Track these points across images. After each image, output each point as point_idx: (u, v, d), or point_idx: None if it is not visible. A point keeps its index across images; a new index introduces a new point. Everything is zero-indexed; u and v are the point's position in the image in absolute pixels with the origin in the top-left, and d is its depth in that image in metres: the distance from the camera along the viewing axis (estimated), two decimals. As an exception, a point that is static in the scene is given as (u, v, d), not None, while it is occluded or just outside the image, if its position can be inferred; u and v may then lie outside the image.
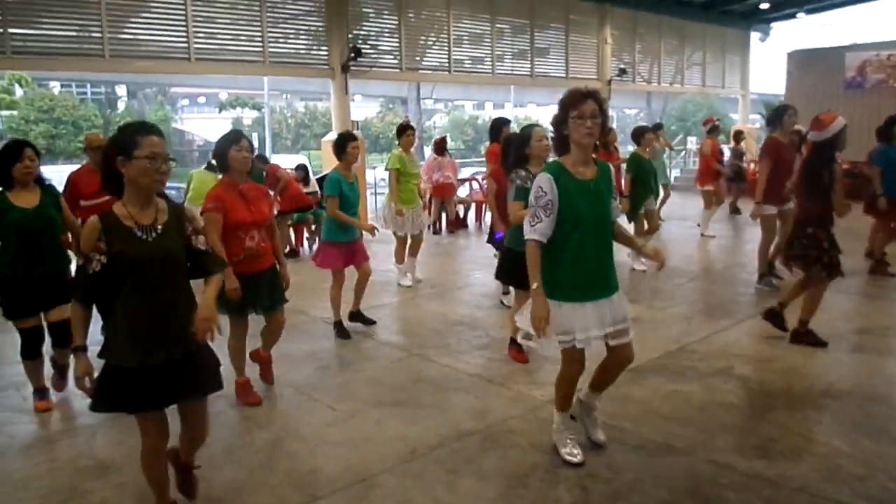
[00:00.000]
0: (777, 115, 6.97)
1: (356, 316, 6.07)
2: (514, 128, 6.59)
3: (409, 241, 7.73)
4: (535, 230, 3.21)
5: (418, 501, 3.20)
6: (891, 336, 5.48)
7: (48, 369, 4.62)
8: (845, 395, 4.28)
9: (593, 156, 3.38)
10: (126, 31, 10.80)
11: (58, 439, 4.03)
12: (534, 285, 3.21)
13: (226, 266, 3.14)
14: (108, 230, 2.64)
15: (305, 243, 10.41)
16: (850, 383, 4.48)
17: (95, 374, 2.74)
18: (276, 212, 9.70)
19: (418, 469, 3.50)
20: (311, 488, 3.34)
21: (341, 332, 5.86)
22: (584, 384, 3.62)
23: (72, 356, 2.90)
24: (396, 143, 7.90)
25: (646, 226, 8.17)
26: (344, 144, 5.79)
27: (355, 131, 12.40)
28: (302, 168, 10.82)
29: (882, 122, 10.24)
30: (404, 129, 7.76)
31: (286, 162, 24.10)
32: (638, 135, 8.19)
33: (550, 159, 3.64)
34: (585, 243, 3.23)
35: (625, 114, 45.87)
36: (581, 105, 3.15)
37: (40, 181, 4.35)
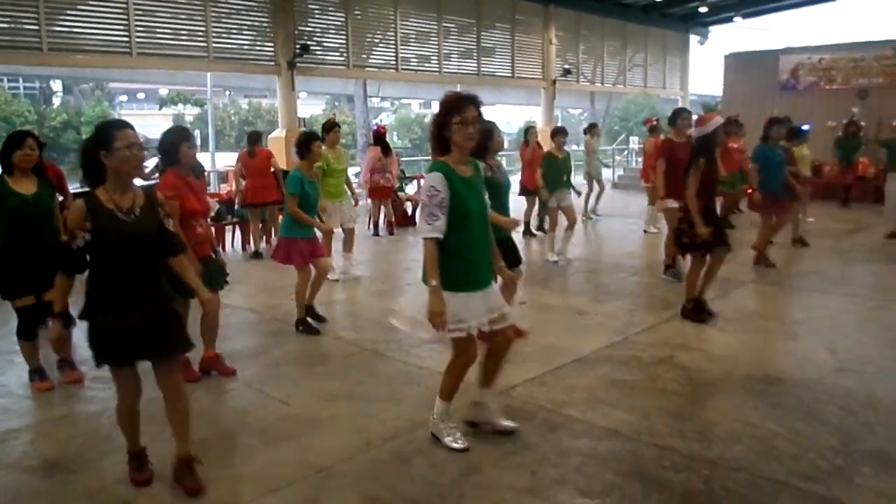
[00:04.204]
0: (673, 117, 7.58)
1: (309, 310, 6.03)
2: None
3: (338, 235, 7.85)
4: (434, 228, 3.31)
5: (373, 490, 3.26)
6: (822, 326, 5.76)
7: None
8: (778, 382, 4.50)
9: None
10: (64, 23, 10.54)
11: (1, 440, 3.94)
12: (433, 282, 3.30)
13: (186, 249, 3.61)
14: (92, 211, 3.00)
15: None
16: (783, 370, 4.71)
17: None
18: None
19: (373, 459, 3.56)
20: (266, 482, 3.35)
21: (308, 328, 5.80)
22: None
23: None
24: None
25: (564, 221, 8.41)
26: (309, 143, 5.88)
27: (302, 128, 12.43)
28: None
29: (814, 121, 10.84)
30: (331, 127, 7.95)
31: (231, 160, 23.66)
32: (554, 134, 8.78)
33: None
34: (475, 236, 3.40)
35: (569, 113, 46.57)
36: (464, 111, 3.30)
37: (38, 170, 4.56)
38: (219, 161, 24.01)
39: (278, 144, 12.31)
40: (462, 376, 3.63)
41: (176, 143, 4.41)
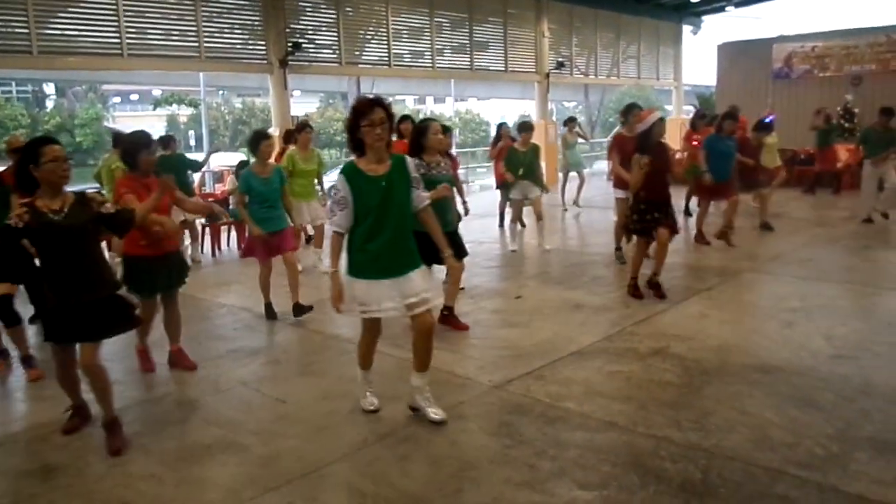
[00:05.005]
0: (625, 112, 7.85)
1: (296, 309, 6.04)
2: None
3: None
4: (334, 222, 3.70)
5: (371, 487, 3.26)
6: (817, 314, 5.76)
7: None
8: (775, 370, 4.51)
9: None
10: (54, 26, 10.47)
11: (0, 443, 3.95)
12: (332, 269, 3.71)
13: (135, 214, 3.96)
14: (32, 215, 3.51)
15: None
16: (779, 359, 4.72)
17: None
18: None
19: (371, 456, 3.57)
20: (263, 480, 3.36)
21: (270, 313, 6.15)
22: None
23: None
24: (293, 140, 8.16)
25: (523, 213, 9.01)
26: (257, 142, 6.02)
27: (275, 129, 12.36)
28: (244, 165, 10.62)
29: (807, 109, 10.90)
30: (302, 127, 8.06)
31: (225, 160, 23.53)
32: (519, 130, 9.00)
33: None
34: (378, 230, 3.63)
35: (564, 106, 46.49)
36: (371, 114, 3.54)
37: None
38: (213, 160, 23.88)
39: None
40: (368, 350, 4.04)
41: (136, 150, 4.58)
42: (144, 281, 4.66)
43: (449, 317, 5.58)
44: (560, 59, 18.18)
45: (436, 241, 3.91)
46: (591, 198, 12.75)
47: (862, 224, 9.84)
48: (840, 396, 4.07)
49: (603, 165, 19.22)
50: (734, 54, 18.02)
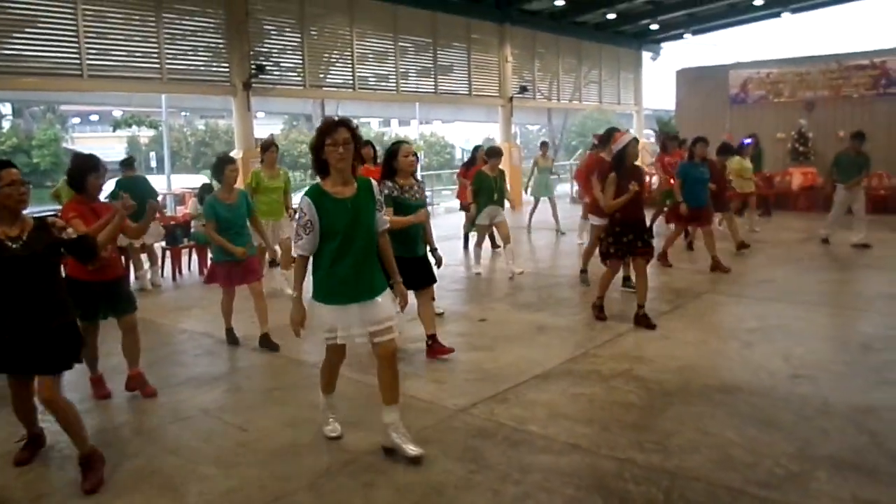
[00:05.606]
0: (605, 137, 7.94)
1: (263, 340, 5.92)
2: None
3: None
4: (299, 246, 3.60)
5: (334, 515, 3.21)
6: (776, 335, 5.87)
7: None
8: (736, 391, 4.58)
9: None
10: (11, 46, 10.29)
11: (-53, 477, 3.80)
12: (294, 293, 3.69)
13: (96, 240, 3.90)
14: None
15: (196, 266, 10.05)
16: (740, 379, 4.79)
17: None
18: None
19: (335, 484, 3.51)
20: (224, 510, 3.29)
21: (231, 338, 6.11)
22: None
23: None
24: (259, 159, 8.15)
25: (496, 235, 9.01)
26: (221, 168, 5.92)
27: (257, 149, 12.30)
28: (207, 188, 10.51)
29: (763, 134, 11.07)
30: (267, 147, 8.05)
31: (187, 182, 23.24)
32: (489, 155, 8.96)
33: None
34: (344, 253, 3.55)
35: (527, 129, 47.00)
36: (334, 133, 3.48)
37: None
38: (175, 183, 23.60)
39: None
40: (331, 375, 4.01)
41: (83, 174, 4.54)
42: (86, 305, 4.51)
43: (434, 345, 5.44)
44: (523, 84, 18.43)
45: (386, 268, 3.87)
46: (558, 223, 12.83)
47: (820, 245, 10.07)
48: (799, 416, 4.14)
49: (566, 188, 19.45)
50: (692, 80, 18.46)
